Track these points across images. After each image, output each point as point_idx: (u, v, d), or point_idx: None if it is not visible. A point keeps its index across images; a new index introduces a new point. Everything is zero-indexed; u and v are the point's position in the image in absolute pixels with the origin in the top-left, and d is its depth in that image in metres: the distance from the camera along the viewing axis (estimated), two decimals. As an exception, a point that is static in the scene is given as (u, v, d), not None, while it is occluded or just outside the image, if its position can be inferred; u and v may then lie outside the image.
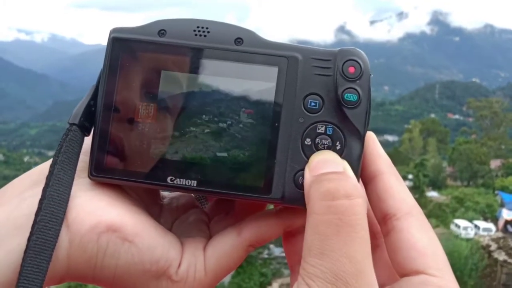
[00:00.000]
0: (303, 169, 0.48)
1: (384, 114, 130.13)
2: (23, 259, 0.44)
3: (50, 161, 0.49)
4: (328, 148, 0.48)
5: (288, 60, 0.49)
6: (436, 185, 48.07)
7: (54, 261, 0.45)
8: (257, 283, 21.67)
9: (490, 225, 30.15)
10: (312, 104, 0.49)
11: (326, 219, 0.42)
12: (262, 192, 0.49)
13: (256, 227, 0.50)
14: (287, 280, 22.91)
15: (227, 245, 0.50)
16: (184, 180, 0.49)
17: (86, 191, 0.49)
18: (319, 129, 0.49)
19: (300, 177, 0.48)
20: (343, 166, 0.46)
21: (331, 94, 0.49)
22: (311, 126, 0.49)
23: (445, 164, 55.60)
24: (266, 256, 23.51)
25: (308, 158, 0.48)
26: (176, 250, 0.49)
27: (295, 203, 0.48)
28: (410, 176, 41.55)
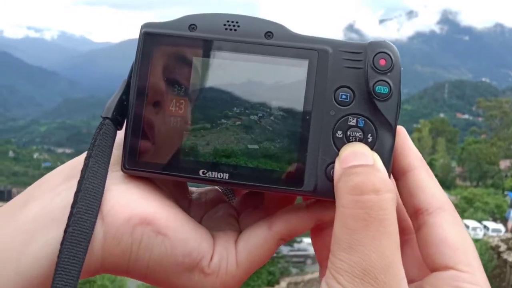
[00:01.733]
0: (334, 162, 0.48)
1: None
2: (60, 251, 0.45)
3: (81, 157, 0.51)
4: (360, 140, 0.48)
5: (319, 53, 0.49)
6: (445, 185, 47.84)
7: (89, 253, 0.46)
8: (265, 282, 21.67)
9: (500, 226, 30.03)
10: (343, 96, 0.49)
11: (354, 213, 0.42)
12: (294, 184, 0.49)
13: (287, 221, 0.51)
14: (295, 278, 22.92)
15: (258, 238, 0.51)
16: (216, 173, 0.50)
17: (120, 184, 0.50)
18: (350, 121, 0.49)
19: (332, 170, 0.48)
20: (373, 158, 0.46)
21: (362, 87, 0.49)
22: (342, 119, 0.49)
23: (454, 164, 55.43)
24: (274, 254, 23.47)
25: (339, 150, 0.48)
26: (208, 243, 0.50)
27: (326, 195, 0.48)
28: (419, 176, 41.38)
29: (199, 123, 0.50)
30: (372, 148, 0.48)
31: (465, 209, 33.48)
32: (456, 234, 0.46)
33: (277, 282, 21.78)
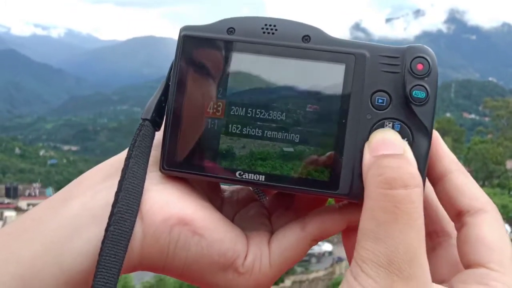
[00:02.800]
0: None
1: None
2: (101, 249, 0.46)
3: (121, 154, 0.52)
4: None
5: (356, 57, 0.49)
6: (451, 185, 47.65)
7: (129, 251, 0.47)
8: (269, 280, 21.64)
9: (506, 226, 29.72)
10: (380, 101, 0.49)
11: (382, 206, 0.42)
12: (330, 187, 0.49)
13: (320, 222, 0.51)
14: (299, 277, 22.93)
15: (291, 239, 0.51)
16: (253, 174, 0.50)
17: (158, 184, 0.51)
18: (386, 125, 0.49)
19: None
20: (403, 148, 0.46)
21: (398, 91, 0.49)
22: (378, 123, 0.49)
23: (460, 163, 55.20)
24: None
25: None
26: (243, 243, 0.51)
27: (361, 198, 0.47)
28: (424, 176, 41.27)
29: (236, 125, 0.51)
30: None
31: (471, 209, 33.24)
32: (494, 235, 0.46)
33: (282, 281, 21.77)
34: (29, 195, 54.69)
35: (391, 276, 0.41)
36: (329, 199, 0.54)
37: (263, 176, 0.50)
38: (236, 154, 0.51)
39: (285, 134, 0.50)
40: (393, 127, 0.48)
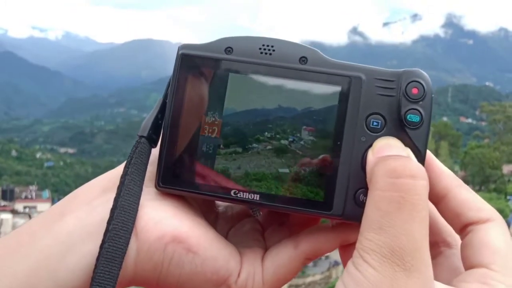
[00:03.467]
0: (363, 187, 0.49)
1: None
2: (96, 266, 0.46)
3: (118, 168, 0.53)
4: None
5: (352, 80, 0.50)
6: (448, 189, 47.67)
7: (123, 267, 0.48)
8: (266, 284, 21.61)
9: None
10: (375, 123, 0.50)
11: (388, 196, 0.42)
12: (323, 208, 0.50)
13: (313, 241, 0.52)
14: (296, 281, 22.92)
15: (284, 257, 0.52)
16: (248, 194, 0.51)
17: (153, 200, 0.51)
18: None
19: (361, 195, 0.49)
20: (407, 152, 0.47)
21: (393, 114, 0.49)
22: None
23: (457, 168, 55.24)
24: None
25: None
26: (236, 261, 0.51)
27: (354, 219, 0.49)
28: (421, 180, 41.28)
29: (231, 146, 0.51)
30: None
31: (467, 213, 33.30)
32: (500, 241, 0.46)
33: (278, 284, 21.75)
34: (26, 197, 54.44)
35: (393, 267, 0.41)
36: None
37: (258, 196, 0.51)
38: (232, 174, 0.51)
39: (280, 155, 0.50)
40: None
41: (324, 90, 0.50)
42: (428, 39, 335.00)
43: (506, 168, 51.19)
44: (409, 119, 0.48)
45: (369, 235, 0.42)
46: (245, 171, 0.51)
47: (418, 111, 0.49)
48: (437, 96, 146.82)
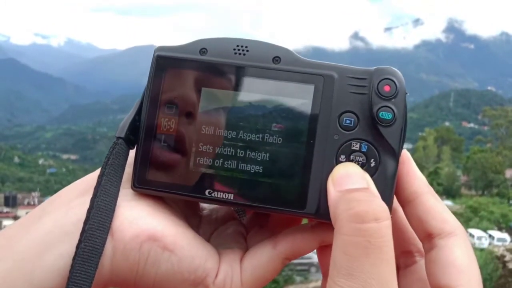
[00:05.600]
0: None
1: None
2: (72, 266, 0.46)
3: (95, 172, 0.52)
4: (363, 165, 0.49)
5: (324, 78, 0.50)
6: (450, 194, 47.66)
7: (99, 267, 0.48)
8: (268, 290, 21.65)
9: (505, 235, 29.85)
10: (347, 121, 0.50)
11: (355, 241, 0.43)
12: (297, 206, 0.50)
13: (291, 241, 0.52)
14: (298, 286, 22.85)
15: (263, 257, 0.52)
16: (221, 193, 0.51)
17: (129, 201, 0.51)
18: (353, 146, 0.50)
19: None
20: (367, 180, 0.47)
21: (366, 112, 0.50)
22: (346, 143, 0.50)
23: (459, 173, 55.17)
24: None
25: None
26: (214, 261, 0.51)
27: (328, 218, 0.48)
28: (424, 185, 41.18)
29: (206, 144, 0.51)
30: (374, 173, 0.49)
31: (470, 218, 33.33)
32: (464, 258, 0.47)
33: (281, 290, 21.71)
34: (28, 204, 54.57)
35: None
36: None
37: (232, 195, 0.51)
38: (206, 173, 0.51)
39: (254, 153, 0.51)
40: (360, 148, 0.49)
41: (298, 89, 0.50)
42: (429, 44, 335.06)
43: (509, 173, 51.09)
44: (381, 117, 0.49)
45: (339, 281, 0.42)
46: (219, 171, 0.51)
47: (391, 108, 0.49)
48: (439, 101, 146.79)
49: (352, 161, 0.49)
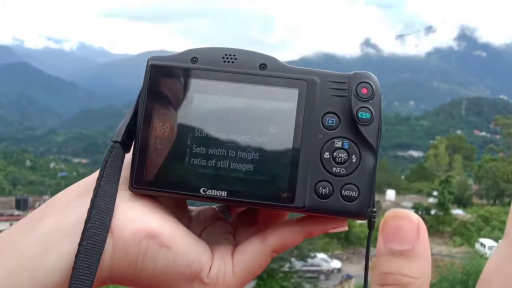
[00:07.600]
0: (323, 180, 0.53)
1: (409, 129, 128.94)
2: (75, 263, 0.49)
3: (93, 175, 0.55)
4: (345, 161, 0.53)
5: (308, 82, 0.54)
6: (462, 203, 47.35)
7: (100, 264, 0.50)
8: (277, 297, 21.55)
9: (517, 246, 29.50)
10: (330, 121, 0.54)
11: None
12: (286, 201, 0.53)
13: (279, 234, 0.55)
14: (308, 294, 22.76)
15: (253, 251, 0.55)
16: (215, 191, 0.54)
17: (127, 201, 0.54)
18: (336, 143, 0.54)
19: (320, 187, 0.53)
20: (414, 243, 0.46)
21: (346, 113, 0.54)
22: (329, 141, 0.54)
23: (471, 181, 54.78)
24: (287, 269, 23.36)
25: (327, 169, 0.54)
26: (207, 256, 0.54)
27: (315, 211, 0.53)
28: (435, 193, 41.00)
29: (199, 146, 0.55)
30: (356, 168, 0.53)
31: (481, 227, 33.09)
32: None
33: (290, 298, 21.64)
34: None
35: None
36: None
37: (225, 192, 0.54)
38: (200, 173, 0.55)
39: (245, 153, 0.54)
40: (342, 145, 0.53)
41: (283, 93, 0.54)
42: (441, 51, 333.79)
43: (521, 182, 50.54)
44: (361, 116, 0.53)
45: None
46: (212, 170, 0.54)
47: (368, 109, 0.53)
48: (451, 109, 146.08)
49: (335, 157, 0.53)
